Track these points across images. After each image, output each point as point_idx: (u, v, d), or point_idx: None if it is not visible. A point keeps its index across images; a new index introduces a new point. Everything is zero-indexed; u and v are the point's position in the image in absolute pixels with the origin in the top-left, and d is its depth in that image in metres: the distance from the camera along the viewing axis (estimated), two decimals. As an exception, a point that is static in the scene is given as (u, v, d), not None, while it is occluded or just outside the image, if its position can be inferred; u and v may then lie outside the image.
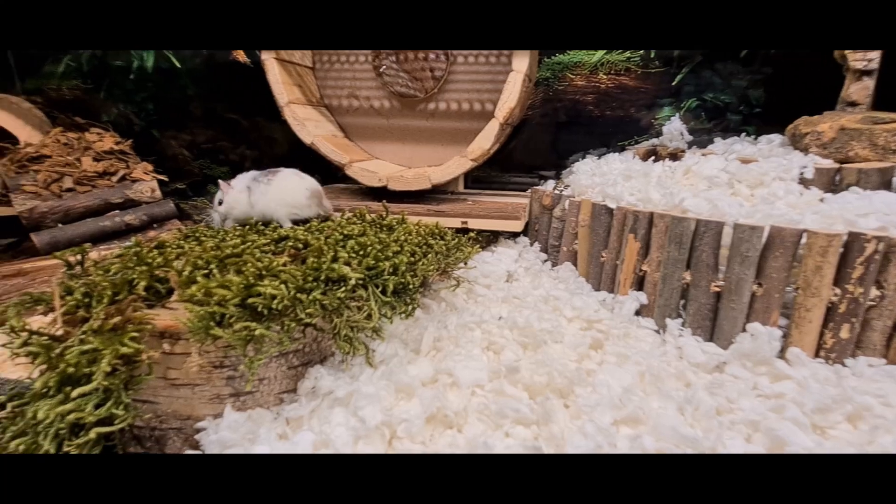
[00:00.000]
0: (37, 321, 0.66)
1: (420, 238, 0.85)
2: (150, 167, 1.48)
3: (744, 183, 0.88)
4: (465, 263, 0.91)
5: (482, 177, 1.55)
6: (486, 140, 1.04)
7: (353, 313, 0.66)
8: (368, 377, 0.63)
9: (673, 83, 1.31)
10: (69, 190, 1.29)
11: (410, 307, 0.74)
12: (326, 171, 1.77)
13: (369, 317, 0.67)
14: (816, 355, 0.68)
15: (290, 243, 0.75)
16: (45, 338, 0.56)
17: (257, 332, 0.55)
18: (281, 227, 0.87)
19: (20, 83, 1.70)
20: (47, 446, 0.52)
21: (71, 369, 0.52)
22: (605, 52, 1.32)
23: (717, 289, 0.72)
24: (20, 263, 1.08)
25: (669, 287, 0.76)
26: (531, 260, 1.04)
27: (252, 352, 0.57)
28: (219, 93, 1.73)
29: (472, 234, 0.92)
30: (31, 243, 1.34)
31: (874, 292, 0.66)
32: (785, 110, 1.08)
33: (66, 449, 0.52)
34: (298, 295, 0.60)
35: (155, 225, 1.41)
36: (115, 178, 1.37)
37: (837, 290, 0.66)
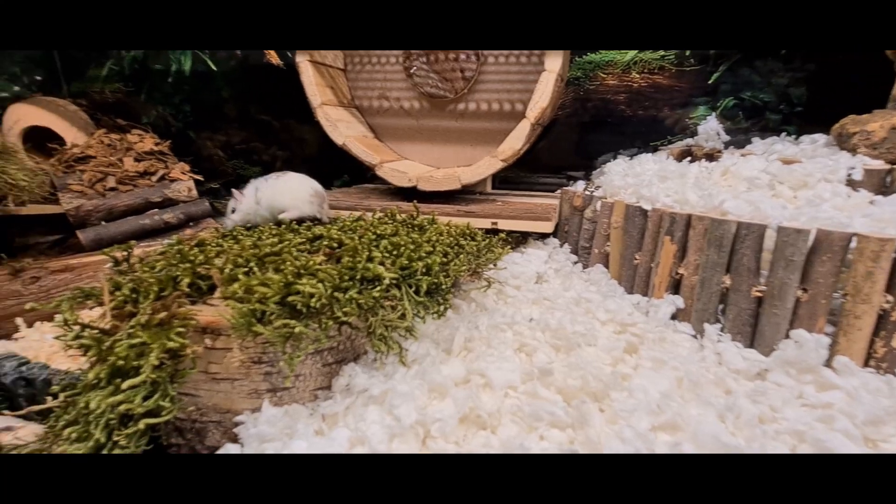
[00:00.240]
0: (85, 315, 0.69)
1: (452, 238, 0.85)
2: (187, 167, 1.53)
3: (786, 184, 0.85)
4: (495, 265, 0.91)
5: (510, 177, 1.54)
6: (516, 140, 1.04)
7: (388, 312, 0.67)
8: (402, 376, 0.64)
9: (709, 81, 1.27)
10: (112, 189, 1.34)
11: (442, 307, 0.75)
12: (355, 172, 1.80)
13: (403, 316, 0.67)
14: (866, 365, 0.65)
15: (325, 242, 0.76)
16: (96, 331, 0.58)
17: (297, 330, 0.56)
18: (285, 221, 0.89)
19: (66, 86, 1.78)
20: (98, 435, 0.54)
21: (121, 362, 0.54)
22: (638, 50, 1.30)
23: (759, 294, 0.70)
24: (67, 259, 1.13)
25: (708, 291, 0.74)
26: (561, 261, 1.03)
27: (290, 348, 0.59)
28: (252, 95, 1.77)
29: (502, 235, 0.92)
30: (76, 240, 1.40)
31: (930, 300, 0.63)
32: (829, 109, 1.04)
33: (115, 438, 0.55)
34: (336, 294, 0.61)
35: (191, 223, 1.46)
36: (154, 178, 1.42)
37: (890, 298, 0.64)
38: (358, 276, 0.65)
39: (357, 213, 0.98)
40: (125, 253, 0.73)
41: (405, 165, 1.24)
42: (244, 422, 0.62)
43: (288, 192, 0.89)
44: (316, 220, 0.91)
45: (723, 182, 0.92)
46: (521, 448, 0.53)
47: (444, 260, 0.77)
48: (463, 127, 1.30)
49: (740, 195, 0.81)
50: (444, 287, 0.75)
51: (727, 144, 1.19)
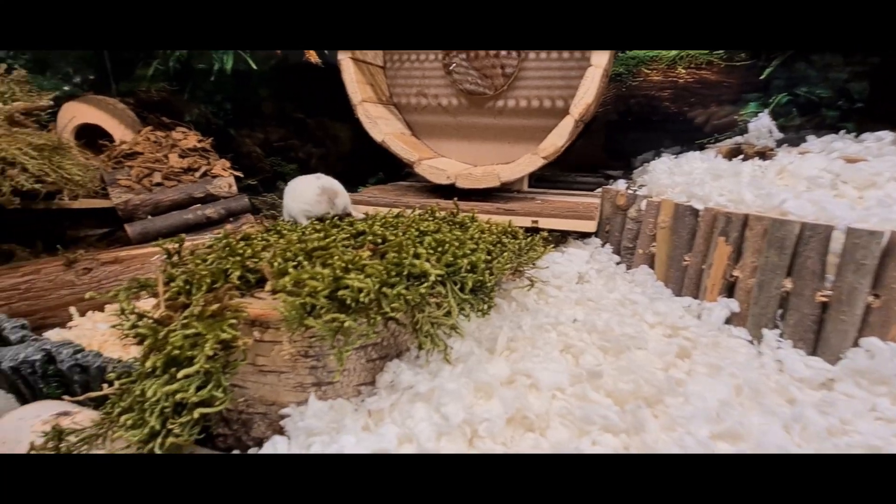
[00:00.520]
0: (138, 305, 0.70)
1: (494, 236, 0.84)
2: (228, 164, 1.57)
3: (850, 184, 0.80)
4: (534, 264, 0.90)
5: (545, 176, 1.52)
6: (559, 137, 1.02)
7: (433, 309, 0.66)
8: (449, 374, 0.63)
9: (761, 77, 1.21)
10: (158, 184, 1.39)
11: (487, 305, 0.73)
12: (390, 169, 1.80)
13: (448, 313, 0.67)
14: (945, 377, 0.61)
15: (369, 238, 0.76)
16: (151, 321, 0.60)
17: (346, 324, 0.56)
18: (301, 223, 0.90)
19: (115, 85, 1.85)
20: (153, 422, 0.55)
21: (176, 351, 0.55)
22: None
23: (824, 299, 0.66)
24: (116, 251, 1.17)
25: (766, 295, 0.71)
26: (603, 262, 1.00)
27: (339, 343, 0.59)
28: (289, 94, 1.80)
29: (544, 234, 0.90)
30: (123, 233, 1.45)
31: None
32: (893, 105, 0.97)
33: (169, 426, 0.56)
34: (384, 289, 0.60)
35: (231, 218, 1.49)
36: (197, 174, 1.46)
37: (974, 305, 0.59)
38: (405, 272, 0.64)
39: (396, 210, 0.98)
40: (176, 246, 0.74)
41: (443, 163, 1.23)
42: (290, 414, 0.62)
43: (293, 197, 0.90)
44: (335, 216, 0.91)
45: (779, 181, 0.88)
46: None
47: (488, 258, 0.76)
48: (501, 124, 1.28)
49: (801, 195, 0.77)
50: (488, 285, 0.74)
51: (779, 142, 1.14)
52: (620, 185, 1.23)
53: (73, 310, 1.05)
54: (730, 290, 0.77)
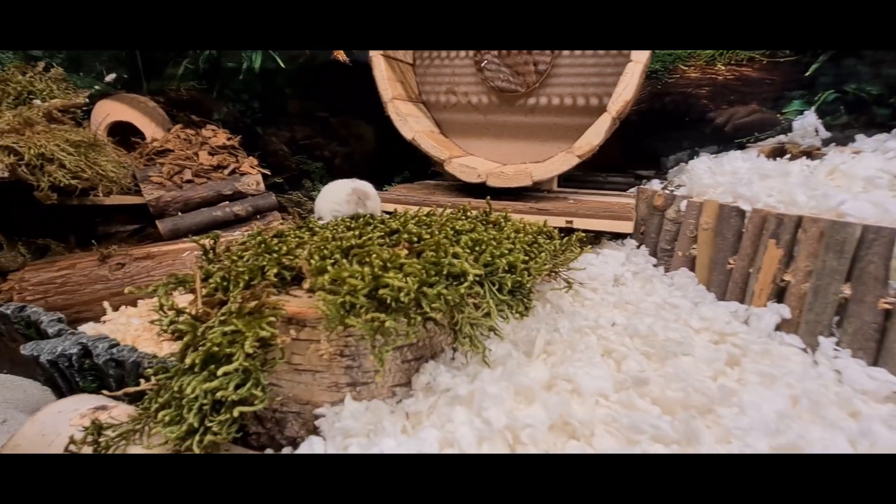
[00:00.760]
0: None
1: (530, 237, 0.82)
2: (256, 162, 1.58)
3: (911, 185, 0.76)
4: (567, 266, 0.87)
5: (574, 175, 1.49)
6: (595, 135, 0.99)
7: (472, 310, 0.64)
8: (489, 377, 0.61)
9: (806, 73, 1.16)
10: (188, 181, 1.40)
11: (524, 307, 0.71)
12: (416, 168, 1.79)
13: (488, 315, 0.65)
14: None
15: (405, 236, 0.75)
16: (190, 317, 0.59)
17: (387, 324, 0.55)
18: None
19: (146, 84, 1.88)
20: (191, 419, 0.55)
21: (215, 349, 0.55)
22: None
23: (888, 306, 0.62)
24: (148, 247, 1.18)
25: (822, 301, 0.67)
26: (641, 264, 0.97)
27: (378, 342, 0.57)
28: (316, 92, 1.81)
29: (580, 235, 0.88)
30: (153, 230, 1.47)
31: None
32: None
33: (207, 424, 0.55)
34: (423, 289, 0.59)
35: (258, 216, 1.50)
36: (226, 172, 1.47)
37: None
38: (444, 272, 0.63)
39: (426, 209, 0.97)
40: (212, 242, 0.74)
41: (473, 161, 1.21)
42: (325, 414, 0.61)
43: (324, 197, 0.94)
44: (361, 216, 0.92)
45: (830, 182, 0.84)
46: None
47: (526, 258, 0.74)
48: (532, 122, 1.26)
49: (858, 196, 0.73)
50: (526, 286, 0.71)
51: (825, 142, 1.09)
52: (655, 185, 1.20)
53: (106, 304, 1.07)
54: (779, 295, 0.73)
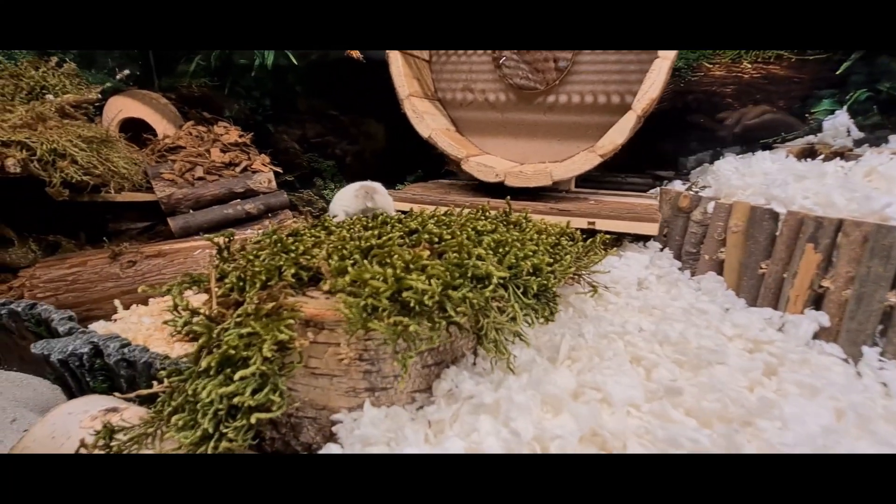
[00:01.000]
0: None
1: (553, 238, 0.79)
2: (268, 159, 1.56)
3: (955, 188, 0.72)
4: (590, 269, 0.84)
5: (591, 176, 1.45)
6: (619, 134, 0.96)
7: (498, 314, 0.62)
8: (515, 385, 0.58)
9: (837, 72, 1.12)
10: (200, 179, 1.39)
11: (550, 311, 0.69)
12: (429, 167, 1.77)
13: (513, 319, 0.62)
14: None
15: (425, 237, 0.72)
16: (205, 318, 0.57)
17: (411, 328, 0.52)
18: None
19: (157, 80, 1.88)
20: (206, 425, 0.53)
21: (231, 351, 0.52)
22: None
23: (938, 315, 0.59)
24: (160, 245, 1.17)
25: (866, 309, 0.64)
26: (665, 267, 0.94)
27: (401, 348, 0.55)
28: (327, 90, 1.79)
29: (604, 237, 0.85)
30: (164, 227, 1.46)
31: None
32: None
33: (223, 430, 0.53)
34: (449, 292, 0.56)
35: (270, 214, 1.48)
36: (238, 169, 1.45)
37: None
38: (469, 274, 0.60)
39: (443, 208, 0.94)
40: (227, 240, 0.72)
41: (491, 160, 1.19)
42: (342, 420, 0.59)
43: (336, 197, 0.97)
44: (370, 212, 0.93)
45: (868, 184, 0.80)
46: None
47: (550, 260, 0.72)
48: (550, 120, 1.23)
49: (902, 198, 0.69)
50: (552, 289, 0.69)
51: (856, 142, 1.05)
52: (677, 186, 1.16)
53: (117, 302, 1.05)
54: (816, 301, 0.70)
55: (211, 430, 0.53)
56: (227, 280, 0.61)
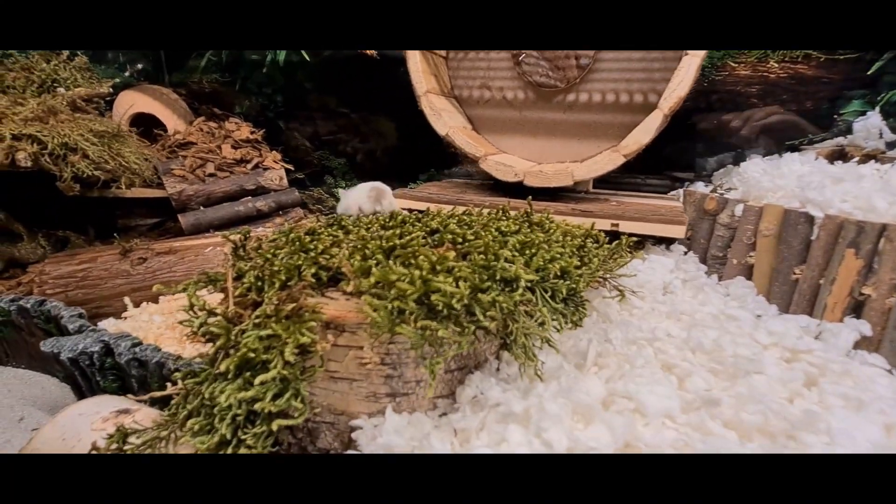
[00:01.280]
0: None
1: (578, 240, 0.76)
2: (279, 156, 1.54)
3: None
4: (615, 272, 0.82)
5: (609, 177, 1.43)
6: (644, 134, 0.93)
7: (527, 319, 0.59)
8: (545, 393, 0.56)
9: (868, 72, 1.09)
10: (211, 175, 1.37)
11: (579, 316, 0.66)
12: (441, 166, 1.75)
13: (542, 324, 0.59)
14: None
15: (448, 237, 0.70)
16: (223, 319, 0.55)
17: (440, 333, 0.50)
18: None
19: (168, 76, 1.86)
20: (223, 430, 0.51)
21: (251, 354, 0.50)
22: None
23: None
24: (171, 242, 1.15)
25: (912, 318, 0.61)
26: (691, 271, 0.91)
27: (428, 353, 0.52)
28: (342, 87, 1.77)
29: (631, 240, 0.82)
30: (173, 224, 1.44)
31: None
32: None
33: (241, 436, 0.51)
34: (479, 295, 0.54)
35: (280, 212, 1.46)
36: (249, 166, 1.43)
37: None
38: (498, 277, 0.57)
39: (461, 208, 0.92)
40: (242, 238, 0.70)
41: (510, 159, 1.16)
42: (362, 427, 0.57)
43: (348, 198, 0.97)
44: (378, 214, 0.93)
45: (905, 187, 0.77)
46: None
47: (578, 263, 0.69)
48: (570, 119, 1.20)
49: (947, 203, 0.66)
50: (580, 293, 0.66)
51: (888, 144, 1.01)
52: (699, 187, 1.14)
53: (127, 300, 1.03)
54: (856, 309, 0.67)
55: (229, 436, 0.51)
56: (244, 279, 0.59)
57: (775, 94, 1.18)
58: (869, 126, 1.00)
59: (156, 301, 1.04)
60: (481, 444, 0.52)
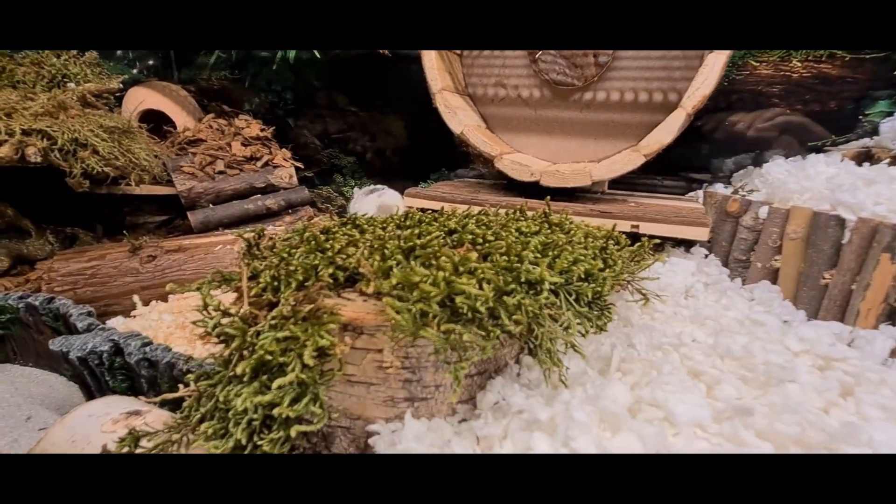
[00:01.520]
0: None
1: (600, 242, 0.74)
2: (289, 154, 1.53)
3: None
4: (637, 275, 0.79)
5: (624, 178, 1.40)
6: (666, 133, 0.91)
7: (552, 323, 0.57)
8: (571, 400, 0.54)
9: (895, 71, 1.06)
10: (220, 172, 1.35)
11: (605, 321, 0.64)
12: (452, 165, 1.73)
13: (567, 328, 0.57)
14: None
15: (468, 237, 0.68)
16: (238, 320, 0.53)
17: (465, 337, 0.48)
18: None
19: (177, 73, 1.85)
20: (238, 435, 0.49)
21: (268, 357, 0.48)
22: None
23: None
24: (180, 240, 1.13)
25: (954, 326, 0.58)
26: (713, 275, 0.88)
27: (451, 358, 0.50)
28: (352, 85, 1.75)
29: (654, 242, 0.80)
30: (182, 221, 1.43)
31: None
32: None
33: (257, 442, 0.49)
34: (504, 298, 0.52)
35: (290, 210, 1.44)
36: (259, 164, 1.42)
37: None
38: (523, 279, 0.55)
39: (476, 208, 0.90)
40: (256, 236, 0.68)
41: (526, 159, 1.14)
42: (379, 432, 0.55)
43: (364, 198, 0.94)
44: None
45: (941, 190, 0.74)
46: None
47: (602, 266, 0.67)
48: (587, 118, 1.18)
49: None
50: (605, 297, 0.64)
51: (915, 147, 0.99)
52: (719, 189, 1.11)
53: (136, 298, 1.02)
54: (891, 315, 0.65)
55: (244, 442, 0.49)
56: (259, 279, 0.57)
57: (798, 94, 1.16)
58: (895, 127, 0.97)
59: (165, 299, 1.02)
60: (505, 453, 0.50)
